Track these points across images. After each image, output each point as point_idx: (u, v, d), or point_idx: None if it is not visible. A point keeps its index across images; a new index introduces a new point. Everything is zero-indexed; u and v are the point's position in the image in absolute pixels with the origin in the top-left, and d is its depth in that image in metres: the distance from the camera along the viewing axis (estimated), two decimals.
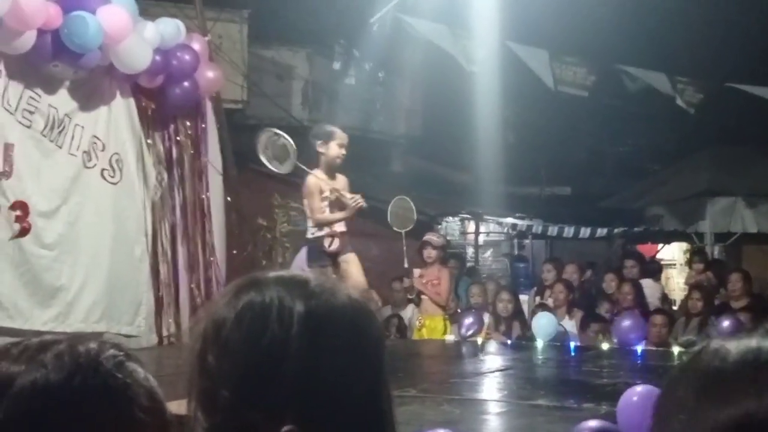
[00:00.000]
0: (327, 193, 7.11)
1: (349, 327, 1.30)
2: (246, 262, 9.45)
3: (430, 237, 9.45)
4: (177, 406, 1.35)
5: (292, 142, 7.46)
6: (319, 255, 7.05)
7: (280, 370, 1.25)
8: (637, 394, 4.53)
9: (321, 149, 7.21)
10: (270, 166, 7.54)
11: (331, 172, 7.21)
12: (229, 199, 9.16)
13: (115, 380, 1.17)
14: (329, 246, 7.04)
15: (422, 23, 11.77)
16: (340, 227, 7.12)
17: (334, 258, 7.10)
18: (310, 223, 7.26)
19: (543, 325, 8.59)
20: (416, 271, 9.32)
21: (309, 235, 7.17)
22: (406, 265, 9.14)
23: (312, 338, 1.27)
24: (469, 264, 13.88)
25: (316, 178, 7.13)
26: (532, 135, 16.40)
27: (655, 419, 1.06)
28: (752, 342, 1.00)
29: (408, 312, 9.91)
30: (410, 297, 9.33)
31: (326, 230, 7.06)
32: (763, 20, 13.45)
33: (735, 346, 1.01)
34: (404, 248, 9.09)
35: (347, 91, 13.52)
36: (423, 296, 9.23)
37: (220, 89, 9.33)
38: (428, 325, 9.12)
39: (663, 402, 1.05)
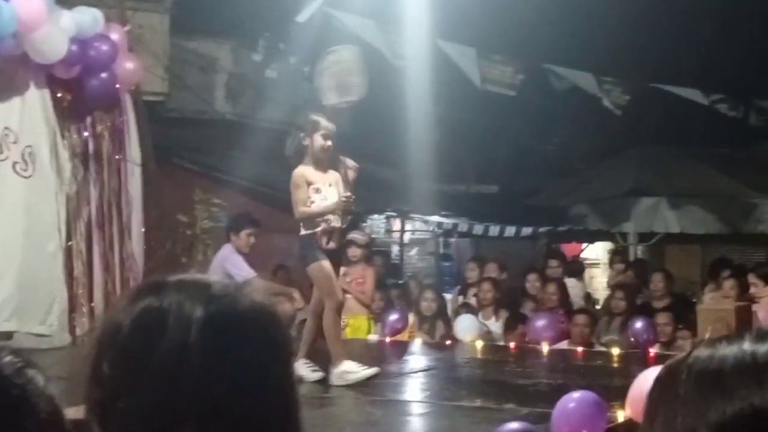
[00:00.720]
0: (319, 185, 6.57)
1: (251, 332, 1.28)
2: (165, 259, 9.34)
3: (354, 235, 9.44)
4: (76, 412, 1.32)
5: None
6: (313, 252, 6.51)
7: (179, 379, 1.22)
8: (574, 400, 4.54)
9: (305, 142, 6.72)
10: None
11: (321, 166, 6.65)
12: (146, 193, 9.04)
13: (13, 388, 1.15)
14: (326, 243, 6.51)
15: (350, 18, 11.77)
16: (336, 222, 6.62)
17: (331, 256, 6.58)
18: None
19: (465, 327, 8.65)
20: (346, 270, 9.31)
21: (302, 232, 6.60)
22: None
23: (212, 344, 1.24)
24: (394, 262, 13.93)
25: (302, 168, 6.62)
26: (459, 133, 16.48)
27: (653, 419, 1.16)
28: (745, 346, 1.14)
29: None
30: None
31: (321, 225, 6.52)
32: (688, 20, 13.75)
33: (730, 351, 1.14)
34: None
35: (272, 85, 13.44)
36: (347, 295, 9.22)
37: (140, 81, 9.19)
38: (352, 324, 9.12)
39: (661, 402, 1.16)
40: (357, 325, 9.13)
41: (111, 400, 1.24)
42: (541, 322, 8.42)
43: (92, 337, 1.31)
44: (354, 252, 9.21)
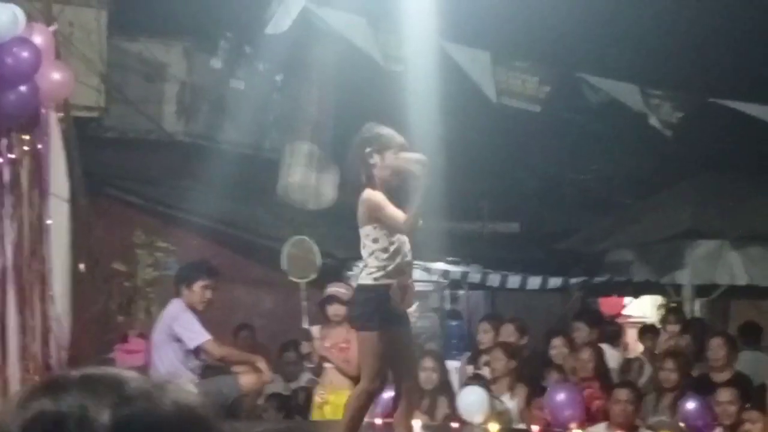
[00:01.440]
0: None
1: None
2: (98, 318, 9.35)
3: (336, 289, 9.47)
4: None
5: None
6: (374, 314, 6.29)
7: None
8: None
9: (372, 160, 6.55)
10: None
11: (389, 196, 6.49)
12: (75, 235, 9.06)
13: None
14: (400, 302, 6.28)
15: (335, 15, 11.85)
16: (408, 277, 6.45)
17: (397, 321, 6.35)
18: (368, 261, 6.43)
19: (472, 403, 8.62)
20: (316, 331, 9.33)
21: (366, 280, 6.39)
22: (305, 325, 9.15)
23: None
24: None
25: (373, 190, 6.45)
26: (471, 158, 16.53)
27: None
28: None
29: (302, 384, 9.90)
30: (309, 365, 9.32)
31: (395, 277, 6.32)
32: (756, 22, 13.84)
33: None
34: (303, 303, 9.11)
35: (235, 98, 13.50)
36: (327, 365, 9.23)
37: (69, 94, 9.24)
38: (333, 401, 9.11)
39: None
40: (339, 403, 9.11)
41: None
42: (559, 397, 8.39)
43: None
44: (336, 310, 9.24)
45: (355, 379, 9.29)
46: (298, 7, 11.28)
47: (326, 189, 7.24)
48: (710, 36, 14.32)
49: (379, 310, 6.24)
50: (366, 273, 6.43)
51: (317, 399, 9.20)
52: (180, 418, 1.30)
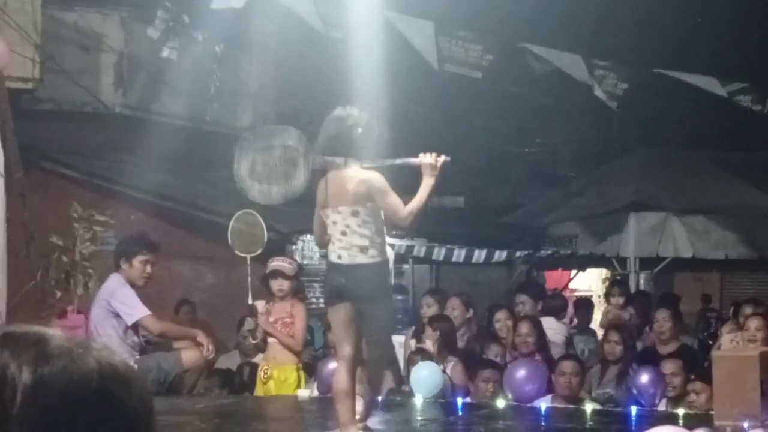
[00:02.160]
0: None
1: (93, 401, 1.29)
2: (34, 293, 9.27)
3: (280, 264, 9.45)
4: None
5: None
6: (387, 285, 6.69)
7: None
8: None
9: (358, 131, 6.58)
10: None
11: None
12: (10, 209, 8.98)
13: None
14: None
15: None
16: None
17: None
18: (369, 240, 6.45)
19: (424, 377, 8.67)
20: (260, 306, 9.31)
21: (366, 259, 6.43)
22: (250, 301, 9.14)
23: (40, 415, 1.25)
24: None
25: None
26: (415, 130, 16.56)
27: None
28: None
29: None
30: (254, 341, 9.31)
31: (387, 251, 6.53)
32: None
33: None
34: (249, 278, 9.10)
35: (174, 70, 13.41)
36: (271, 340, 9.21)
37: (3, 65, 9.15)
38: (277, 376, 9.11)
39: None
40: (283, 378, 9.13)
41: None
42: (520, 373, 8.47)
43: None
44: (281, 285, 9.22)
45: (299, 354, 9.31)
46: None
47: (289, 187, 7.22)
48: (655, 6, 14.44)
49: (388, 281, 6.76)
50: (368, 254, 6.44)
51: (261, 374, 9.20)
52: (102, 376, 1.31)
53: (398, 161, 6.74)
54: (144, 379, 1.40)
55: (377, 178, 6.48)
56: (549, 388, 8.75)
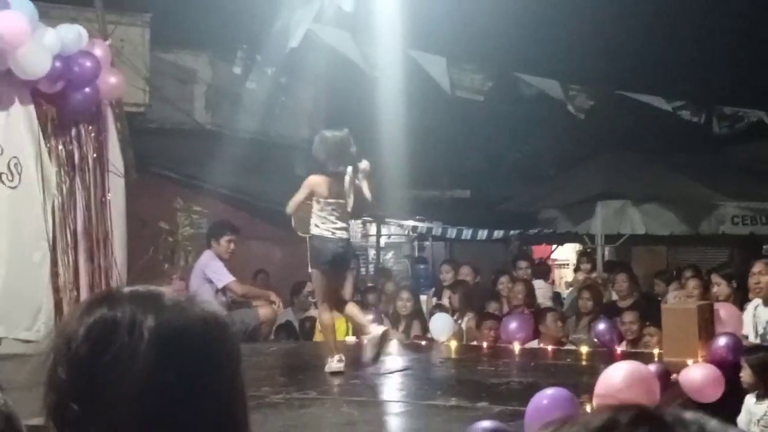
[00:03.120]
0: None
1: (200, 341, 1.32)
2: (148, 266, 9.40)
3: None
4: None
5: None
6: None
7: (127, 383, 1.26)
8: (547, 397, 4.62)
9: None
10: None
11: None
12: (129, 202, 9.10)
13: None
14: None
15: (326, 30, 11.87)
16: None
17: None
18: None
19: (440, 326, 8.76)
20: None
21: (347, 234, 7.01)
22: (310, 270, 9.22)
23: (161, 352, 1.28)
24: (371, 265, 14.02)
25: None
26: (433, 140, 16.58)
27: None
28: None
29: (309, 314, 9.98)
30: (312, 300, 9.39)
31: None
32: (654, 30, 13.93)
33: None
34: (308, 253, 9.17)
35: (249, 96, 13.51)
36: None
37: (122, 94, 9.26)
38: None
39: None
40: (336, 327, 9.20)
41: (65, 405, 1.29)
42: (513, 324, 8.54)
43: (49, 345, 1.37)
44: None
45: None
46: (304, 27, 11.32)
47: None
48: (616, 40, 14.42)
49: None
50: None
51: (318, 326, 9.25)
52: (205, 321, 1.34)
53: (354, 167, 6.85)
54: (234, 327, 1.44)
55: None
56: (536, 334, 8.81)
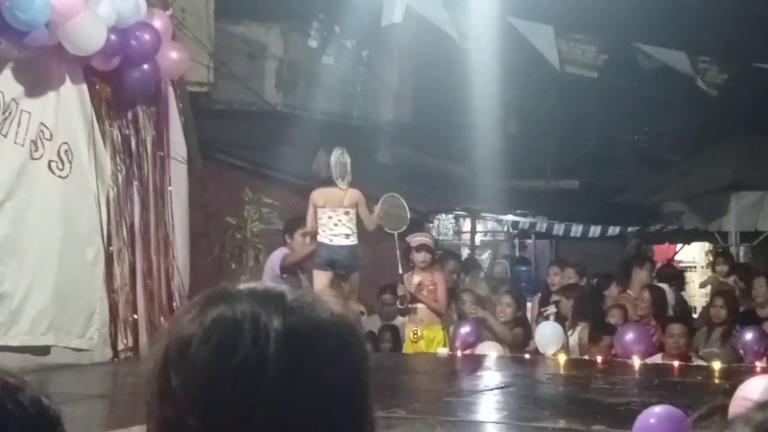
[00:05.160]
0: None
1: (333, 346, 1.31)
2: (213, 265, 9.48)
3: (424, 239, 9.52)
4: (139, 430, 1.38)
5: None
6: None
7: (256, 394, 1.26)
8: (655, 415, 4.56)
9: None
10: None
11: None
12: (192, 193, 9.19)
13: None
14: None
15: None
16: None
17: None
18: (351, 228, 8.49)
19: (548, 335, 8.65)
20: (407, 276, 9.34)
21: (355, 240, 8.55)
22: (400, 271, 9.22)
23: (292, 358, 1.27)
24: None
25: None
26: (535, 122, 16.47)
27: None
28: None
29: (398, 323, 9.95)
30: (401, 307, 9.36)
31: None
32: None
33: None
34: (397, 251, 9.17)
35: (327, 73, 13.55)
36: (419, 305, 9.24)
37: (184, 71, 9.35)
38: (426, 335, 9.14)
39: None
40: (432, 337, 9.17)
41: (181, 418, 1.28)
42: (629, 335, 8.37)
43: (155, 352, 1.35)
44: (424, 257, 9.26)
45: (442, 316, 9.32)
46: (405, 1, 11.31)
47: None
48: (754, 4, 14.08)
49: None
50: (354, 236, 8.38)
51: (411, 335, 9.22)
52: (337, 325, 1.34)
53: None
54: (359, 327, 1.44)
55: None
56: (660, 347, 8.63)
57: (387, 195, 9.40)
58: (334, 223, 8.33)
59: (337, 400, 1.30)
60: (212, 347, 1.28)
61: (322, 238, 8.32)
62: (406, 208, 9.37)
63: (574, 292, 9.61)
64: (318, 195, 8.46)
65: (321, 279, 8.34)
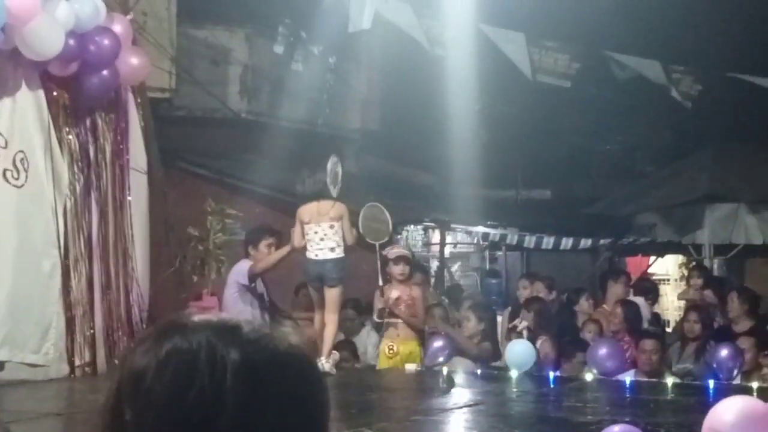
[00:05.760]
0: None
1: (292, 377, 1.32)
2: (173, 278, 9.43)
3: (400, 251, 9.53)
4: None
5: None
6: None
7: (213, 427, 1.25)
8: None
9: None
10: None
11: None
12: (152, 204, 9.15)
13: None
14: None
15: (383, 2, 11.84)
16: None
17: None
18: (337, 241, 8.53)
19: (518, 352, 8.66)
20: (387, 290, 9.35)
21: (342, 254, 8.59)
22: (380, 283, 9.25)
23: (250, 391, 1.28)
24: (433, 278, 13.95)
25: None
26: (507, 131, 16.52)
27: None
28: None
29: (363, 338, 9.93)
30: (378, 320, 9.36)
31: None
32: None
33: None
34: (378, 263, 9.20)
35: (292, 79, 13.54)
36: (396, 320, 9.21)
37: (145, 77, 9.31)
38: (402, 351, 9.13)
39: None
40: (408, 352, 9.17)
41: None
42: (602, 351, 8.40)
43: (111, 384, 1.34)
44: (403, 269, 9.25)
45: (420, 332, 9.29)
46: (373, 7, 11.31)
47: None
48: (728, 14, 14.21)
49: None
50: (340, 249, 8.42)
51: (386, 350, 9.20)
52: (294, 356, 1.34)
53: None
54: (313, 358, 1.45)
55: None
56: (634, 363, 8.66)
57: (368, 205, 9.43)
58: (320, 237, 8.44)
59: (295, 431, 1.31)
60: (167, 380, 1.28)
61: (309, 253, 8.43)
62: (389, 220, 9.42)
63: (535, 305, 9.66)
64: (303, 211, 8.54)
65: (314, 294, 8.60)
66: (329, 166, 8.59)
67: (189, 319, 1.35)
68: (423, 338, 9.30)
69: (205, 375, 1.27)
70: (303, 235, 8.44)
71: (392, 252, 9.42)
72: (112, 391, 1.32)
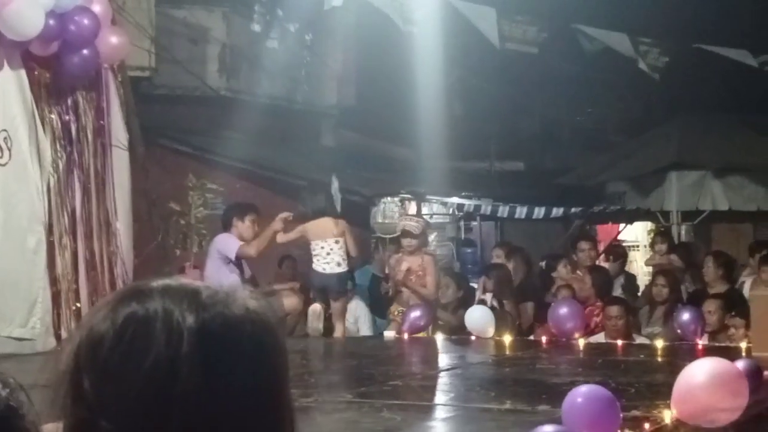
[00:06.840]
0: None
1: (248, 342, 1.29)
2: (156, 252, 9.43)
3: (406, 223, 9.56)
4: (54, 428, 1.35)
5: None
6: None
7: (170, 394, 1.24)
8: (582, 395, 4.64)
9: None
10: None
11: None
12: (134, 180, 9.12)
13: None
14: None
15: None
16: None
17: None
18: (337, 258, 9.03)
19: (476, 318, 8.65)
20: (393, 260, 9.41)
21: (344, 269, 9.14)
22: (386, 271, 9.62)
23: (206, 356, 1.26)
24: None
25: None
26: (479, 104, 16.52)
27: None
28: None
29: (353, 309, 9.92)
30: (387, 291, 9.42)
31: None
32: None
33: None
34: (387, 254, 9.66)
35: (270, 57, 13.49)
36: (405, 290, 9.21)
37: (125, 56, 9.26)
38: None
39: None
40: None
41: (94, 419, 1.25)
42: (562, 311, 8.40)
43: (69, 349, 1.31)
44: (409, 242, 9.24)
45: (431, 302, 9.27)
46: None
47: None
48: None
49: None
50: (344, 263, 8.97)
51: (396, 314, 9.20)
52: (251, 321, 1.31)
53: None
54: (281, 322, 1.43)
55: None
56: (604, 327, 8.72)
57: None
58: (327, 252, 8.87)
59: (252, 397, 1.28)
60: (124, 346, 1.26)
61: (317, 266, 8.93)
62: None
63: (494, 271, 9.70)
64: (311, 227, 8.99)
65: (315, 305, 9.08)
66: (333, 187, 9.46)
67: (148, 285, 1.32)
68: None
69: (161, 342, 1.25)
70: (294, 241, 9.13)
71: (400, 225, 9.59)
72: (71, 356, 1.30)
